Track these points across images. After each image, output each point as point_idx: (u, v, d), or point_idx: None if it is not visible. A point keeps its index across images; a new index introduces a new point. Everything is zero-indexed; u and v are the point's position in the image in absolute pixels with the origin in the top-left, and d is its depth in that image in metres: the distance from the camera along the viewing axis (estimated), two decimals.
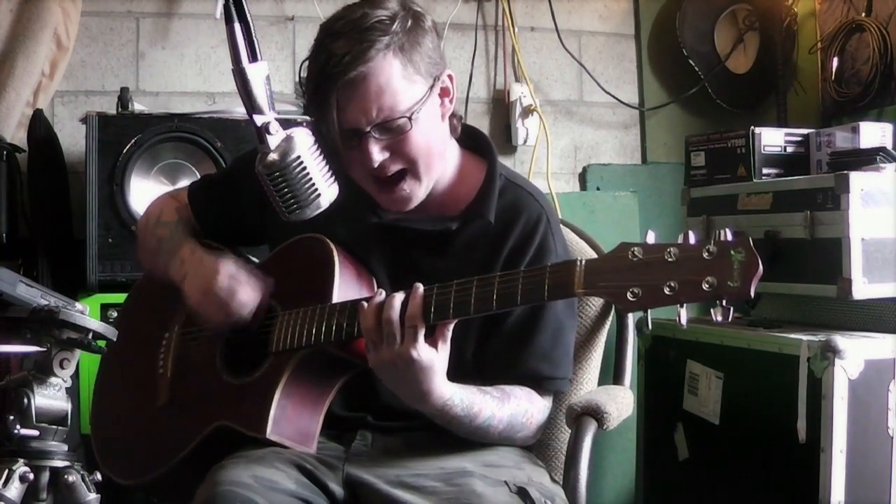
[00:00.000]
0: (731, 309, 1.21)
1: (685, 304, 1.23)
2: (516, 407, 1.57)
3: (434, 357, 1.40)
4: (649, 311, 1.25)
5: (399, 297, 1.40)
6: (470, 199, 1.64)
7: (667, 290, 1.22)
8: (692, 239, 1.25)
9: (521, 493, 1.48)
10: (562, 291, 1.33)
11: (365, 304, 1.43)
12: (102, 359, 1.85)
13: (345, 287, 1.56)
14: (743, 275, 1.19)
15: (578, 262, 1.31)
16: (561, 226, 1.75)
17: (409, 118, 1.52)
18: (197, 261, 1.65)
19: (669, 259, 1.23)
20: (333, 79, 1.47)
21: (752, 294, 1.19)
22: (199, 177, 2.38)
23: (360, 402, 1.62)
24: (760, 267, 1.19)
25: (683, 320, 1.24)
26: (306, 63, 1.55)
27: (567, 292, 1.32)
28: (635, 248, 1.26)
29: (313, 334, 1.52)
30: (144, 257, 1.82)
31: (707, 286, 1.20)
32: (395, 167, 1.54)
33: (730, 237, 1.22)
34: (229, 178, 1.82)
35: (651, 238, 1.27)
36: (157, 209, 1.81)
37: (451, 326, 1.41)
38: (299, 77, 1.60)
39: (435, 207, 1.63)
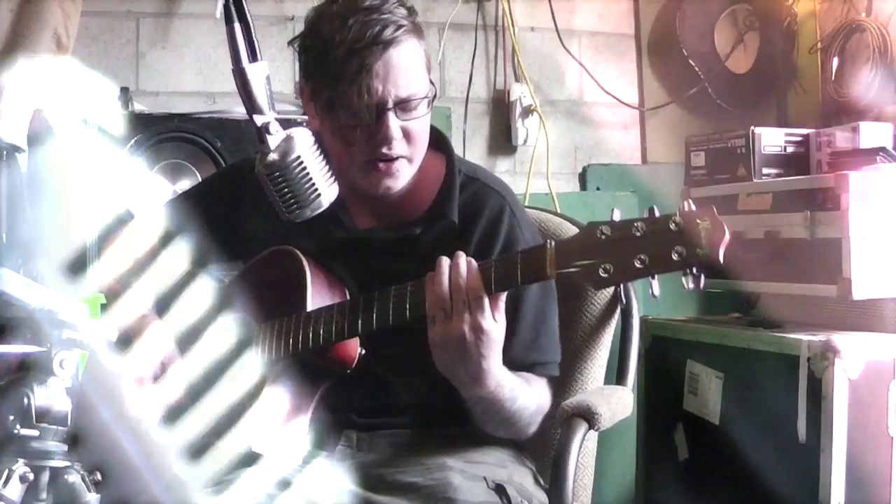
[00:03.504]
0: (702, 277, 1.23)
1: (657, 276, 1.25)
2: (537, 389, 1.59)
3: (498, 330, 1.39)
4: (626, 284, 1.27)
5: (463, 266, 1.39)
6: (431, 198, 1.64)
7: (637, 264, 1.25)
8: (657, 214, 1.26)
9: (499, 489, 1.48)
10: (534, 275, 1.35)
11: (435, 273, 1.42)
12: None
13: (318, 296, 1.55)
14: (710, 242, 1.21)
15: (548, 245, 1.33)
16: (527, 213, 1.75)
17: (429, 101, 1.54)
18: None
19: (637, 234, 1.25)
20: (371, 49, 1.47)
21: (721, 260, 1.21)
22: (198, 178, 2.38)
23: (344, 403, 1.61)
24: (727, 233, 1.21)
25: (656, 292, 1.26)
26: (313, 37, 1.54)
27: (539, 275, 1.34)
28: (603, 227, 1.28)
29: (290, 344, 1.52)
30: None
31: (676, 256, 1.22)
32: (399, 149, 1.54)
33: (694, 208, 1.24)
34: (194, 200, 1.82)
35: (617, 216, 1.29)
36: None
37: (504, 297, 1.39)
38: (301, 54, 1.58)
39: (398, 210, 1.63)
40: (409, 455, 1.55)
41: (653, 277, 1.25)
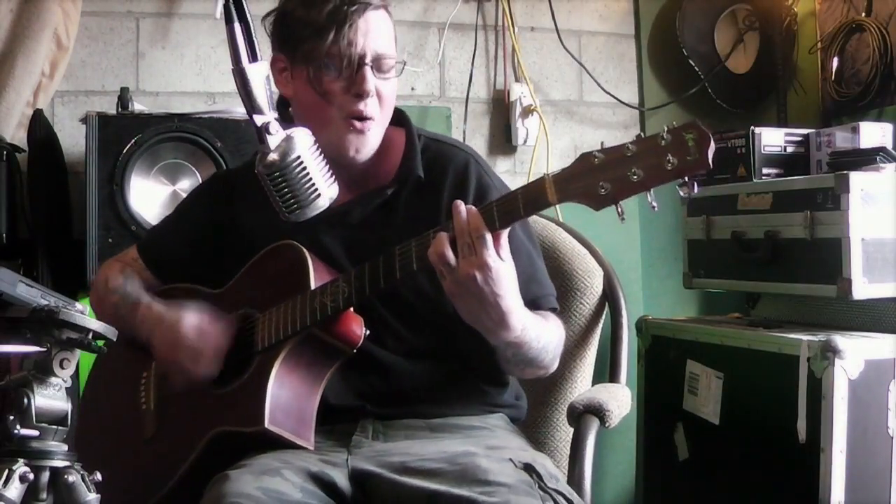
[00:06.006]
0: (695, 183, 1.29)
1: (653, 189, 1.31)
2: (553, 323, 1.64)
3: (506, 266, 1.42)
4: (621, 203, 1.33)
5: (463, 211, 1.42)
6: (398, 164, 1.69)
7: (634, 178, 1.31)
8: (644, 136, 1.32)
9: (528, 468, 1.49)
10: (537, 203, 1.40)
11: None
12: (81, 407, 1.84)
13: (319, 280, 1.57)
14: (699, 148, 1.27)
15: (546, 176, 1.38)
16: (496, 171, 1.80)
17: (398, 69, 1.63)
18: (156, 318, 1.66)
19: (629, 154, 1.32)
20: (354, 6, 1.56)
21: (711, 164, 1.27)
22: (197, 178, 2.39)
23: (357, 392, 1.63)
24: (712, 139, 1.27)
25: (655, 204, 1.31)
26: (294, 1, 1.60)
27: (542, 203, 1.39)
28: (595, 152, 1.34)
29: (297, 321, 1.53)
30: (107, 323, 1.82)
31: (670, 165, 1.28)
32: (372, 109, 1.60)
33: (677, 125, 1.30)
34: (177, 221, 1.85)
35: (606, 144, 1.35)
36: (102, 278, 1.83)
37: (506, 236, 1.43)
38: (277, 22, 1.66)
39: (366, 180, 1.68)
40: (429, 445, 1.56)
41: (649, 190, 1.31)
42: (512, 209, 1.40)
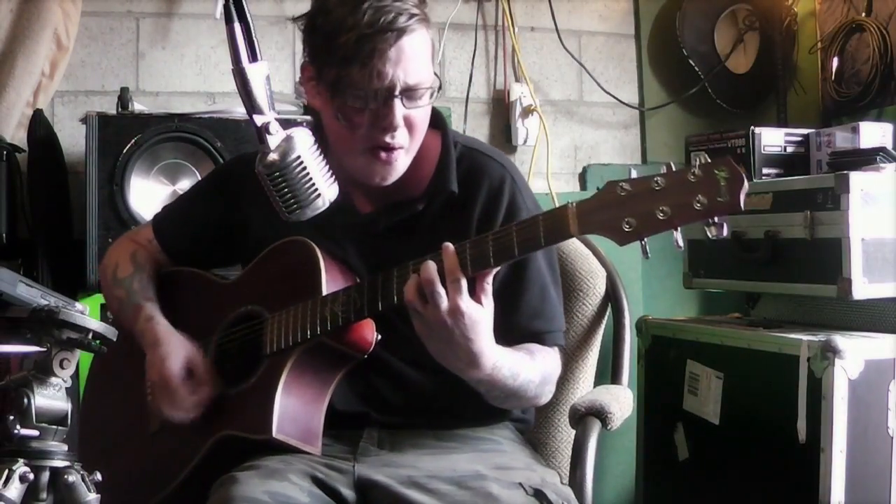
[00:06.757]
0: (724, 225, 1.23)
1: (680, 228, 1.25)
2: (542, 360, 1.58)
3: (481, 311, 1.38)
4: (646, 240, 1.27)
5: (431, 261, 1.38)
6: (430, 174, 1.63)
7: (661, 216, 1.25)
8: (674, 168, 1.27)
9: (538, 494, 1.48)
10: (558, 235, 1.34)
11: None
12: (85, 397, 1.84)
13: (332, 282, 1.56)
14: (730, 189, 1.22)
15: (570, 205, 1.33)
16: (527, 183, 1.73)
17: (432, 92, 1.53)
18: (151, 341, 1.64)
19: (657, 188, 1.26)
20: (384, 35, 1.46)
21: (742, 207, 1.21)
22: (198, 178, 2.38)
23: (362, 398, 1.61)
24: (745, 181, 1.21)
25: (681, 243, 1.26)
26: (323, 17, 1.52)
27: (563, 234, 1.33)
28: (622, 183, 1.28)
29: (308, 328, 1.52)
30: (112, 313, 1.81)
31: (699, 205, 1.23)
32: (401, 139, 1.53)
33: (709, 160, 1.25)
34: (192, 203, 1.83)
35: (634, 174, 1.29)
36: (114, 261, 1.80)
37: (491, 279, 1.39)
38: (307, 33, 1.58)
39: (398, 190, 1.62)
40: (435, 458, 1.55)
41: (676, 229, 1.25)
42: (533, 236, 1.35)
